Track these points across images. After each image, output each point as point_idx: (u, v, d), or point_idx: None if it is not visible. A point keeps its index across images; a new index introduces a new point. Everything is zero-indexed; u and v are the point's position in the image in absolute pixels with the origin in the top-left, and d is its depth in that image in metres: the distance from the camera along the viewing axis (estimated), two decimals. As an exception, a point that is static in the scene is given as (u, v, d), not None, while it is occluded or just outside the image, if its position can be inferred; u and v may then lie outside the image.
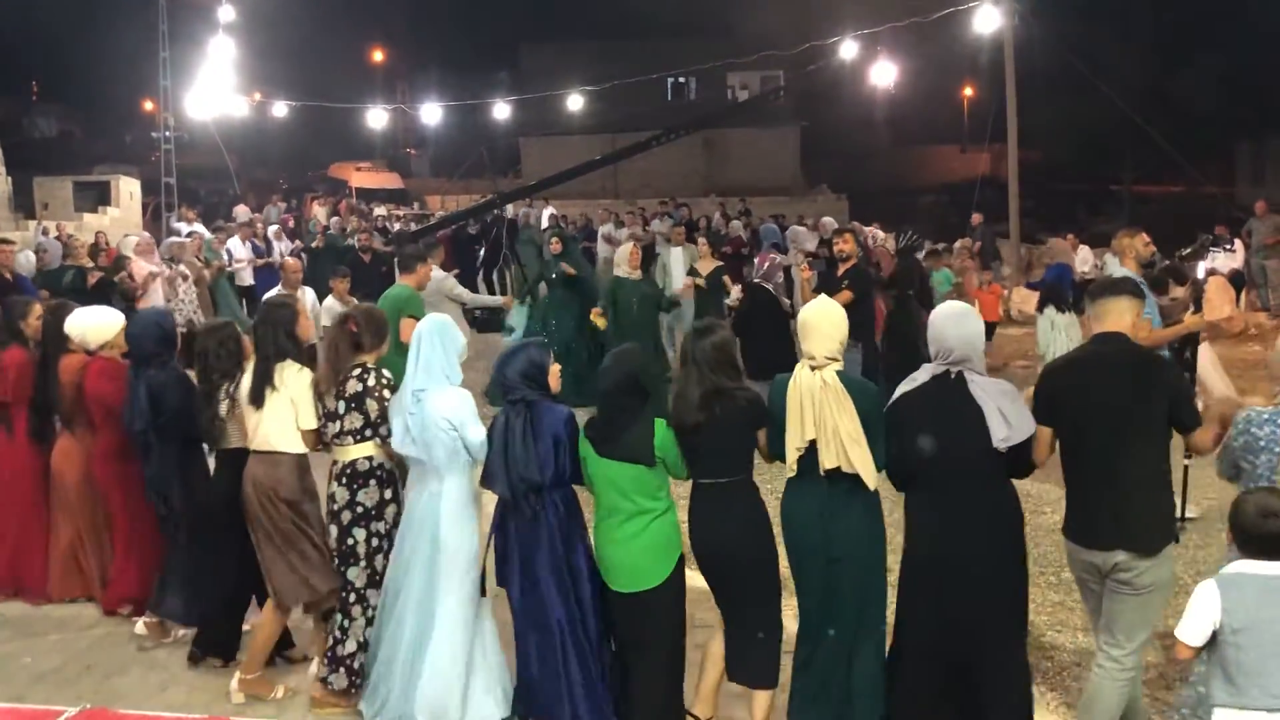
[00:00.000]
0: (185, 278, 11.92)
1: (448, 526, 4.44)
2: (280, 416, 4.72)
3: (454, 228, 18.99)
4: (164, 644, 5.39)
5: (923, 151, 45.27)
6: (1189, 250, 12.89)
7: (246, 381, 4.79)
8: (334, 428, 4.67)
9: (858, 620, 4.12)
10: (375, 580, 4.69)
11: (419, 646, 4.44)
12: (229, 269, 13.89)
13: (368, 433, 4.65)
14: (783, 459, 4.17)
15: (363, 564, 4.68)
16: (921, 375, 4.13)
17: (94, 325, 5.70)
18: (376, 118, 26.72)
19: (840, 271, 8.92)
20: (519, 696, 4.45)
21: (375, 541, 4.68)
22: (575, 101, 24.07)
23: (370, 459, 4.68)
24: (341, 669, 4.66)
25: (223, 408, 4.93)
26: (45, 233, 18.38)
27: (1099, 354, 4.08)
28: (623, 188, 32.28)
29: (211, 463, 5.24)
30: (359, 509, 4.66)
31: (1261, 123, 32.29)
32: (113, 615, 5.69)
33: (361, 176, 34.74)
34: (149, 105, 34.71)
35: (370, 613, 4.68)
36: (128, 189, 24.92)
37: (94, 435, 5.69)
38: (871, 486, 4.03)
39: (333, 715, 4.67)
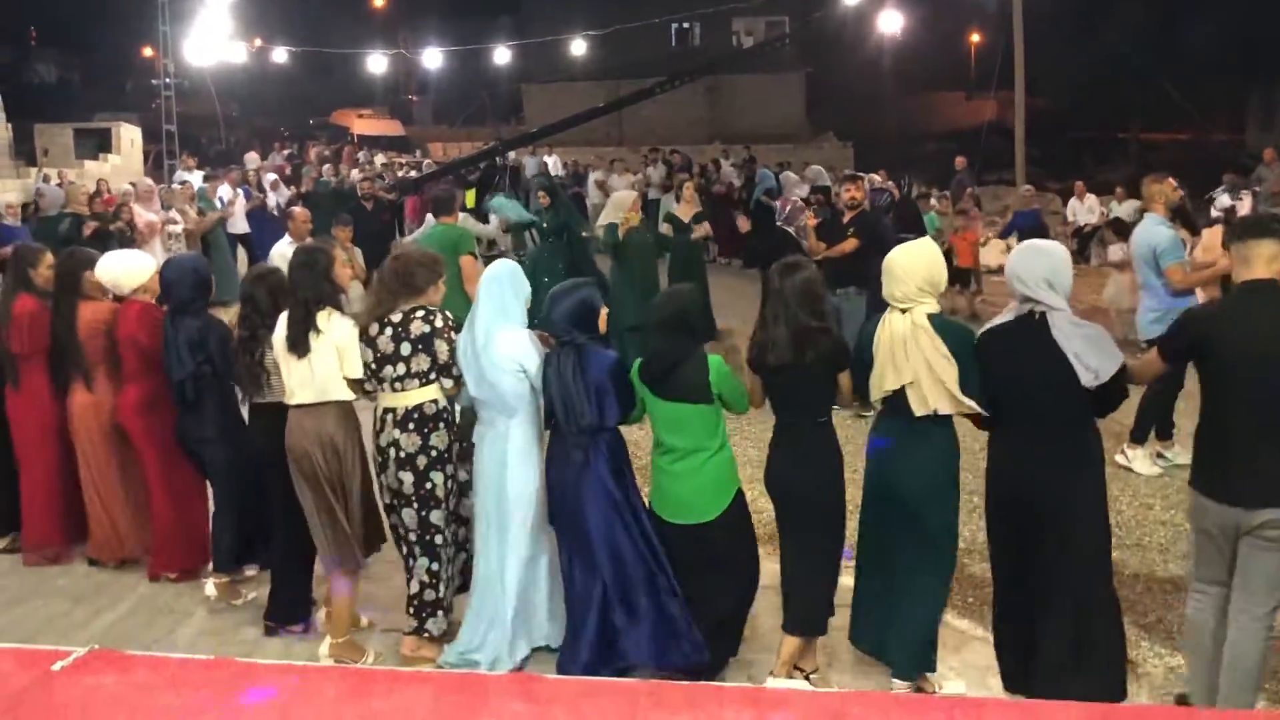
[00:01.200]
0: (175, 223, 11.91)
1: (513, 468, 4.48)
2: (325, 365, 4.60)
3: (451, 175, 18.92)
4: (223, 602, 5.32)
5: (929, 98, 44.75)
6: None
7: (282, 329, 4.66)
8: (392, 371, 4.53)
9: (916, 562, 4.15)
10: (455, 522, 4.68)
11: (492, 586, 4.53)
12: (221, 216, 13.78)
13: (432, 375, 4.55)
14: (867, 401, 4.20)
15: (444, 507, 4.61)
16: (1005, 315, 4.09)
17: (126, 269, 5.52)
18: (377, 63, 26.60)
19: (847, 218, 8.87)
20: (572, 632, 4.48)
21: (452, 484, 4.64)
22: (578, 47, 23.91)
23: (435, 402, 4.59)
24: (440, 612, 4.66)
25: (268, 358, 4.80)
26: (46, 179, 18.30)
27: (1259, 302, 3.83)
28: (627, 135, 31.99)
29: (246, 416, 5.18)
30: (433, 453, 4.56)
31: (1273, 69, 31.88)
32: (158, 581, 5.55)
33: (364, 123, 34.50)
34: (148, 52, 34.37)
35: (452, 555, 4.69)
36: (128, 136, 24.77)
37: (122, 386, 5.52)
38: (963, 411, 4.01)
39: (425, 665, 4.57)
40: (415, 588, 4.67)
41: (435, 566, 4.64)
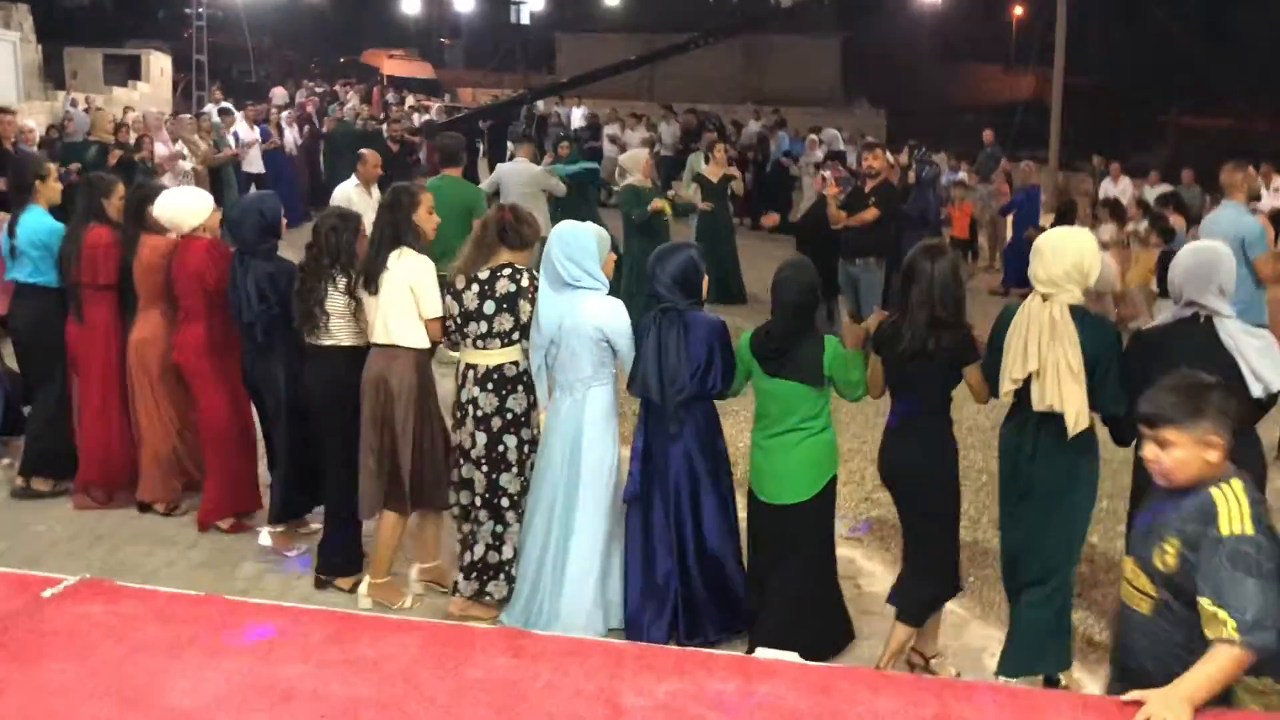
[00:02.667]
0: (184, 157, 11.84)
1: (590, 435, 4.36)
2: (399, 305, 4.48)
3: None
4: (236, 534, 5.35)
5: (966, 69, 44.08)
6: None
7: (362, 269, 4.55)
8: (476, 329, 4.44)
9: (1041, 563, 4.00)
10: (526, 487, 4.57)
11: (561, 556, 4.40)
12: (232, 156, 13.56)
13: (515, 336, 4.46)
14: (997, 393, 4.01)
15: (514, 470, 4.52)
16: (1164, 316, 3.94)
17: (186, 206, 5.35)
18: (411, 4, 26.25)
19: (869, 188, 8.78)
20: (646, 606, 4.38)
21: (525, 449, 4.53)
22: (614, -2, 23.57)
23: (516, 364, 4.49)
24: (501, 575, 4.58)
25: (331, 301, 4.65)
26: (74, 104, 18.27)
27: None
28: (657, 91, 31.66)
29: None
30: (508, 415, 4.47)
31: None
32: (207, 530, 5.40)
33: (394, 64, 34.23)
34: (182, -21, 34.17)
35: (521, 519, 4.57)
36: (158, 65, 24.68)
37: (179, 325, 5.35)
38: (1078, 427, 3.74)
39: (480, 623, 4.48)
40: (480, 550, 4.57)
41: (500, 529, 4.55)
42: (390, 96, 24.63)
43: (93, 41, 25.07)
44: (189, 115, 13.90)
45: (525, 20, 41.42)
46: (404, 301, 4.48)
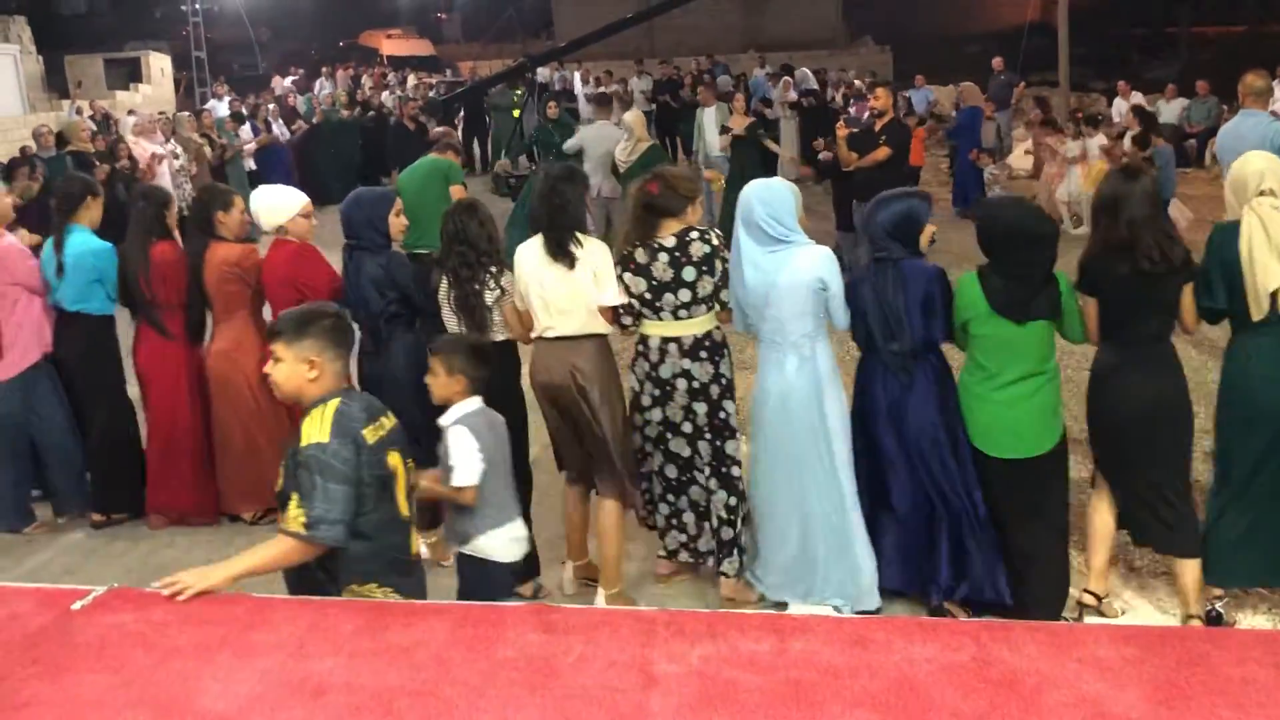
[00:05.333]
0: (176, 156, 11.63)
1: (830, 391, 4.18)
2: (580, 293, 4.28)
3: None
4: None
5: (970, -4, 43.39)
6: None
7: (536, 255, 4.31)
8: (674, 299, 4.24)
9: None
10: (743, 452, 4.43)
11: (838, 519, 4.22)
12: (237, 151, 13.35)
13: (716, 299, 4.27)
14: (1212, 318, 3.98)
15: (738, 436, 4.40)
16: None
17: (265, 206, 5.17)
18: (404, -20, 26.01)
19: (878, 127, 8.71)
20: (886, 568, 4.27)
21: (736, 415, 4.41)
22: (607, -45, 23.28)
23: (719, 328, 4.34)
24: (735, 550, 4.43)
25: (489, 295, 4.42)
26: (79, 111, 18.31)
27: None
28: (659, 47, 31.35)
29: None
30: (723, 380, 4.32)
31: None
32: None
33: (392, 44, 34.05)
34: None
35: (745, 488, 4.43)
36: (158, 65, 24.70)
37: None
38: None
39: (744, 606, 4.34)
40: (714, 523, 4.43)
41: (733, 501, 4.40)
42: (391, 77, 24.41)
43: (92, 47, 25.12)
44: (186, 114, 13.74)
45: (519, -12, 41.06)
46: (586, 288, 4.28)
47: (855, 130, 9.09)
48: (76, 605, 2.73)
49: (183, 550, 5.27)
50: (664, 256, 4.22)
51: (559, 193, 4.29)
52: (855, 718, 2.19)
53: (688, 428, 4.35)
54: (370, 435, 3.04)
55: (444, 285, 4.48)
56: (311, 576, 3.06)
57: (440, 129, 9.03)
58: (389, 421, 3.17)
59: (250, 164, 13.87)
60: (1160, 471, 4.03)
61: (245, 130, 14.11)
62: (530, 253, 4.34)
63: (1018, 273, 3.93)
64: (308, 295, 4.84)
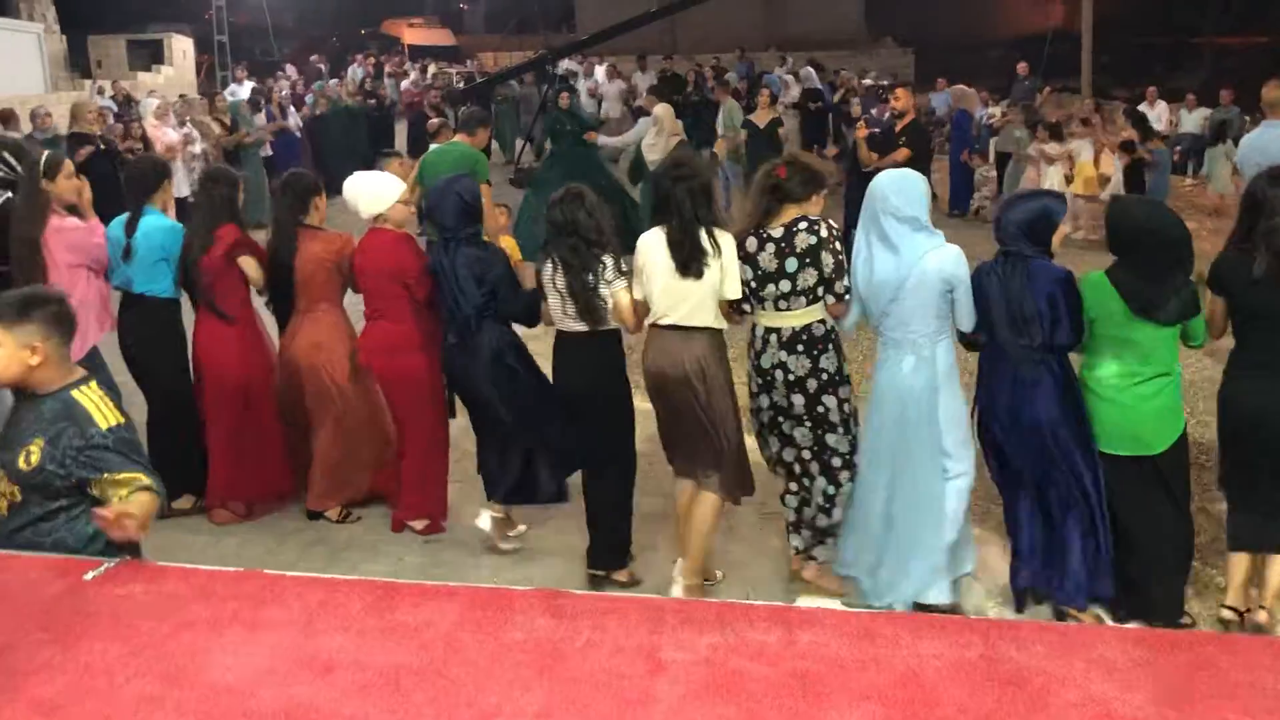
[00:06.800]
0: (191, 141, 11.55)
1: (947, 391, 4.12)
2: (705, 288, 4.19)
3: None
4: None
5: (993, 0, 43.24)
6: None
7: (660, 254, 4.22)
8: (775, 290, 4.18)
9: None
10: (854, 446, 4.35)
11: (914, 522, 4.18)
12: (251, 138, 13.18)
13: (820, 291, 4.17)
14: None
15: (840, 430, 4.31)
16: None
17: (364, 193, 5.03)
18: (427, -30, 26.06)
19: (899, 128, 8.71)
20: (1023, 568, 4.23)
21: (846, 407, 4.32)
22: (632, -51, 23.22)
23: (823, 322, 4.24)
24: (830, 539, 4.44)
25: (603, 285, 4.34)
26: (100, 92, 18.38)
27: None
28: (680, 43, 31.31)
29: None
30: (823, 375, 4.23)
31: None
32: (401, 532, 5.16)
33: (414, 33, 34.14)
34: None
35: (852, 481, 4.37)
36: (180, 47, 24.81)
37: (366, 325, 5.03)
38: None
39: (824, 596, 4.35)
40: (812, 510, 4.43)
41: (832, 490, 4.37)
42: (409, 66, 24.44)
43: (115, 28, 25.21)
44: (200, 97, 13.67)
45: (543, -20, 41.06)
46: (711, 282, 4.19)
47: (875, 131, 9.11)
48: (89, 575, 2.75)
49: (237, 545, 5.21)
50: (770, 247, 4.18)
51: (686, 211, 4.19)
52: (861, 710, 2.19)
53: (790, 417, 4.33)
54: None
55: (548, 268, 4.43)
56: None
57: (437, 120, 9.01)
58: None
59: (266, 149, 13.77)
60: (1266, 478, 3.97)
61: (260, 117, 14.05)
62: (655, 241, 4.26)
63: (1151, 273, 3.84)
64: (410, 285, 4.82)
